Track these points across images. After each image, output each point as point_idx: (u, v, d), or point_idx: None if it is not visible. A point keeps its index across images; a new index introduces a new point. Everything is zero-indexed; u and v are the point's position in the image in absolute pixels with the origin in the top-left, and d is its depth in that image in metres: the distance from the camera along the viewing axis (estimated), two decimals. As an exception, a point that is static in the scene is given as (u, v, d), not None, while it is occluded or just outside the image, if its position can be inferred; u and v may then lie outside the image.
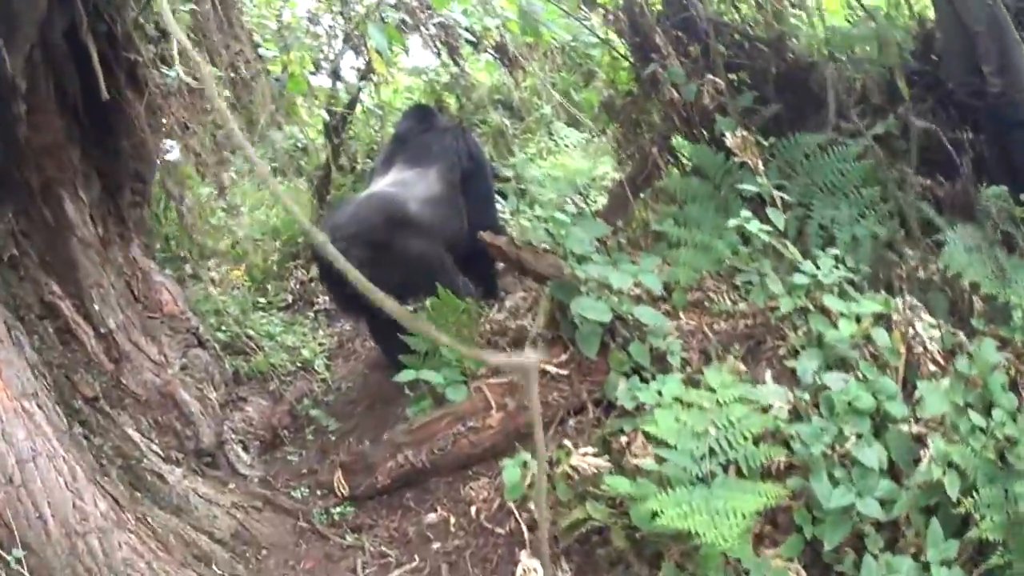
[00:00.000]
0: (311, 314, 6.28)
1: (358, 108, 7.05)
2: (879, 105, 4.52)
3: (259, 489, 4.08)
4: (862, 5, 4.70)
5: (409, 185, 5.04)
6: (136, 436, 3.84)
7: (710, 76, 4.52)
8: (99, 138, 3.93)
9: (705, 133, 4.67)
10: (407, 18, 5.67)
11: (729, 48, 4.83)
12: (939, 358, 3.37)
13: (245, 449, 4.46)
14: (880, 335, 3.29)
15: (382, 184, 5.20)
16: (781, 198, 4.04)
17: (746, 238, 3.93)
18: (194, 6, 3.87)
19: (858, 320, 3.33)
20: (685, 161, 4.68)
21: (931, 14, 4.71)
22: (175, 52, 3.55)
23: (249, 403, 4.76)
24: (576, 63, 6.11)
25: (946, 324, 3.60)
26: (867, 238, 4.00)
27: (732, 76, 4.74)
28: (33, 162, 3.33)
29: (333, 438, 4.72)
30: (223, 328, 5.18)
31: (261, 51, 4.61)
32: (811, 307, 3.56)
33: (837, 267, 3.67)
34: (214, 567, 3.36)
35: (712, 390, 3.20)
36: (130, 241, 4.33)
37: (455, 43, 6.05)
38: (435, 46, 6.08)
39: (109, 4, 3.34)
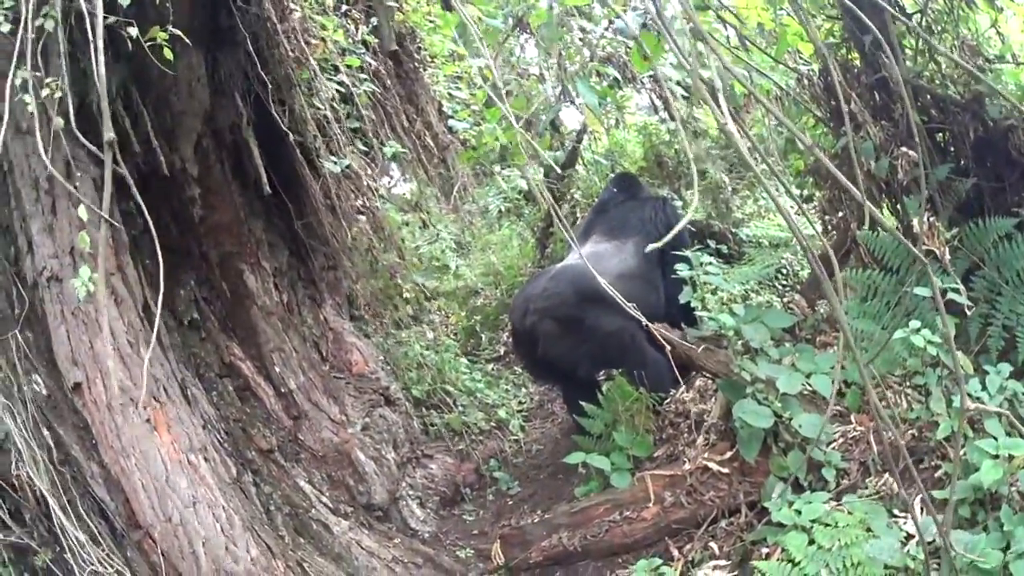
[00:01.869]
0: (518, 368, 6.44)
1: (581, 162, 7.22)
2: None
3: (423, 546, 4.32)
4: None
5: (604, 258, 5.09)
6: (307, 488, 4.21)
7: (904, 149, 4.22)
8: (285, 211, 4.39)
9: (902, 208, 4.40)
10: (617, 75, 5.73)
11: (926, 111, 4.51)
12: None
13: (421, 505, 4.73)
14: (1027, 477, 2.97)
15: (577, 255, 5.29)
16: (965, 294, 3.77)
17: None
18: (372, 86, 4.18)
19: (1010, 459, 3.00)
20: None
21: None
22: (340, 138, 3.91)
23: (434, 460, 5.02)
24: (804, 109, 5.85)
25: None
26: (1050, 340, 3.66)
27: (937, 137, 4.44)
28: (212, 238, 3.78)
29: (511, 502, 4.90)
30: (421, 382, 5.48)
31: (452, 123, 4.87)
32: (970, 432, 3.27)
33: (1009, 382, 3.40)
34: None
35: (839, 525, 3.08)
36: (322, 303, 4.74)
37: (670, 96, 6.00)
38: (651, 100, 6.11)
39: (278, 90, 3.73)
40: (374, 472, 4.50)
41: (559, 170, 6.64)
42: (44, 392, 3.49)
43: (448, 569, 4.14)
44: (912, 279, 3.80)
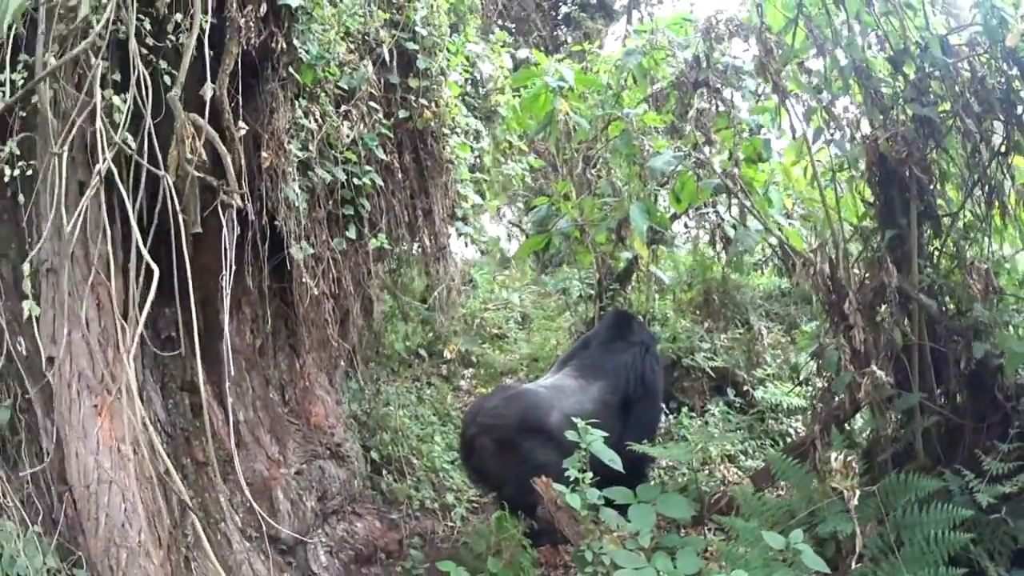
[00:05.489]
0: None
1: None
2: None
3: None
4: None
5: (565, 394, 5.82)
6: (225, 504, 5.18)
7: (872, 367, 4.61)
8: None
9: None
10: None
11: (930, 326, 4.97)
12: None
13: (330, 554, 5.68)
14: None
15: (543, 382, 6.11)
16: (861, 542, 4.08)
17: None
18: (376, 178, 5.33)
19: None
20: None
21: None
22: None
23: (362, 519, 5.94)
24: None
25: None
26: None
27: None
28: (198, 277, 4.75)
29: (411, 580, 5.62)
30: (391, 446, 6.49)
31: (459, 225, 5.98)
32: None
33: None
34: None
35: None
36: (302, 354, 5.83)
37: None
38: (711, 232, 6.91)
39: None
40: (287, 512, 5.46)
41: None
42: (24, 353, 4.61)
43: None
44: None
